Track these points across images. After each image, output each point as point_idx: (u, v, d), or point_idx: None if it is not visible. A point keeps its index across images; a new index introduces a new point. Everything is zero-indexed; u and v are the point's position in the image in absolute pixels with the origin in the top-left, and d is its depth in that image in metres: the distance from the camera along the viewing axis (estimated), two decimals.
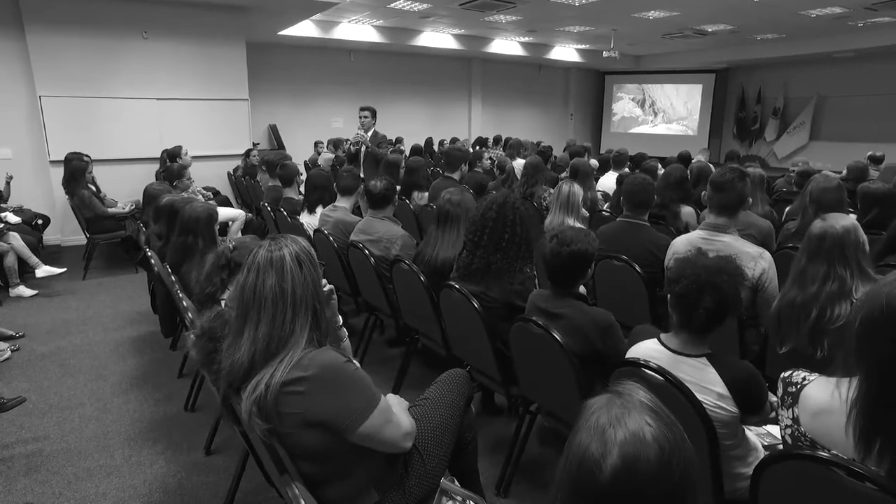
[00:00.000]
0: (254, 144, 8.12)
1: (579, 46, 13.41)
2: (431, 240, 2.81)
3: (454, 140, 10.67)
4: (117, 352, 3.80)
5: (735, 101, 14.95)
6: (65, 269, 5.19)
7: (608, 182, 5.66)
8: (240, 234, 6.18)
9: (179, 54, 7.25)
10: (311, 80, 11.48)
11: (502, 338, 2.32)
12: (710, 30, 10.74)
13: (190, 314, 2.15)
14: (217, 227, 2.68)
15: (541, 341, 1.96)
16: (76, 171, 5.38)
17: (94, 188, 5.92)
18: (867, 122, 12.34)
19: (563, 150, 9.69)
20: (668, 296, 1.59)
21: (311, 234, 3.72)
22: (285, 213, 4.06)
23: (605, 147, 15.25)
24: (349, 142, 5.65)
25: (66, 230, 6.88)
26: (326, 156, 9.03)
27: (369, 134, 5.63)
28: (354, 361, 1.48)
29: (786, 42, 11.79)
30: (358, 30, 10.46)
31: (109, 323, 4.34)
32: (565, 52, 13.58)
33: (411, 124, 12.32)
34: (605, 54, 11.24)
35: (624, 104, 15.98)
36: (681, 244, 2.66)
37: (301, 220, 3.77)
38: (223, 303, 2.02)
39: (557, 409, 2.11)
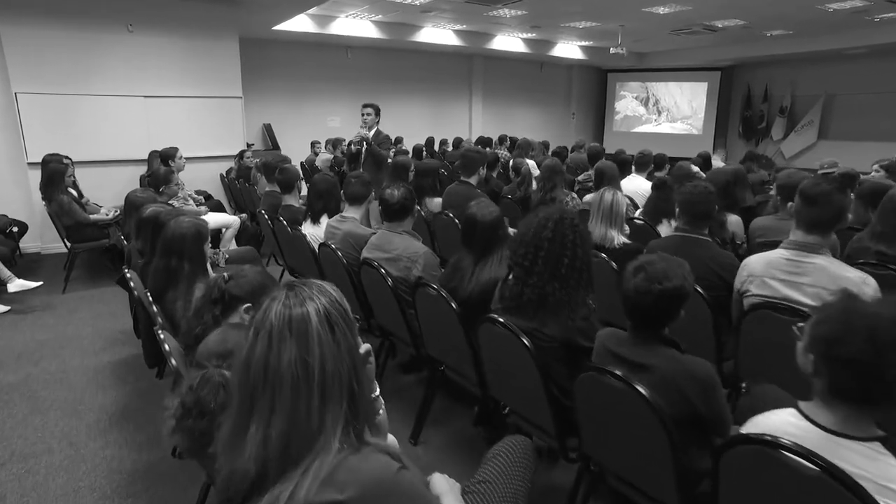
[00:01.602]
0: (248, 145, 7.67)
1: (583, 43, 13.05)
2: (465, 266, 2.39)
3: (458, 140, 10.25)
4: (96, 380, 3.36)
5: (741, 100, 14.63)
6: (40, 283, 4.74)
7: (632, 186, 5.26)
8: (234, 244, 5.75)
9: (168, 49, 6.79)
10: (306, 77, 11.05)
11: (558, 383, 1.91)
12: (720, 25, 10.39)
13: (174, 360, 1.72)
14: (208, 246, 2.25)
15: (620, 397, 1.55)
16: (54, 174, 4.92)
17: (74, 193, 5.46)
18: (877, 120, 12.06)
19: (571, 151, 9.32)
20: (813, 355, 1.19)
21: (316, 247, 3.30)
22: (285, 223, 3.63)
23: (608, 147, 14.89)
24: (350, 141, 5.21)
25: (46, 237, 6.40)
26: (324, 156, 8.62)
27: (372, 133, 5.21)
28: (404, 460, 1.05)
29: (796, 38, 11.48)
30: (356, 25, 10.03)
31: (89, 345, 3.89)
32: (568, 50, 13.21)
33: (410, 123, 11.89)
34: (612, 51, 10.88)
35: (627, 103, 15.64)
36: (758, 266, 2.26)
37: (304, 232, 3.33)
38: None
39: (637, 479, 1.70)
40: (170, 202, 4.23)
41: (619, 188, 4.37)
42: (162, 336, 1.81)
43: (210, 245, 5.11)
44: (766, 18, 9.76)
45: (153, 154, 6.31)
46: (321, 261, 3.16)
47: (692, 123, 14.99)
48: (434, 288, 2.28)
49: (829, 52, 11.88)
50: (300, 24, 9.22)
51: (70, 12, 6.16)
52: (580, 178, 5.59)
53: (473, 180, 3.99)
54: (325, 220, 3.37)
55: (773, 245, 2.34)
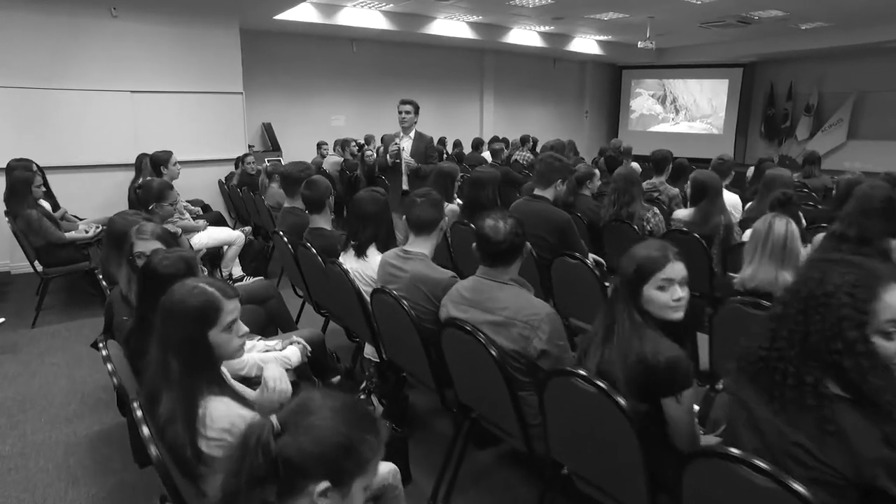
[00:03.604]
0: (249, 147, 6.82)
1: (601, 37, 12.32)
2: (625, 332, 1.56)
3: (478, 141, 9.42)
4: (66, 468, 2.50)
5: (763, 98, 13.96)
6: (2, 321, 3.86)
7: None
8: (237, 264, 4.92)
9: (158, 37, 6.01)
10: (309, 73, 10.22)
11: None
12: (756, 17, 9.67)
13: None
14: (222, 324, 1.39)
15: None
16: (20, 183, 4.05)
17: (47, 205, 4.59)
18: None
19: (599, 156, 8.56)
20: None
21: (364, 289, 2.46)
22: (315, 252, 2.78)
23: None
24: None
25: (17, 255, 5.49)
26: (333, 159, 7.80)
27: (411, 135, 4.38)
28: None
29: (827, 32, 10.81)
30: (364, 15, 9.20)
31: (61, 408, 3.03)
32: (585, 44, 12.47)
33: (419, 122, 11.04)
34: (640, 44, 10.18)
35: (643, 101, 14.94)
36: None
37: (346, 267, 2.49)
38: None
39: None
40: (166, 226, 3.38)
41: (725, 206, 3.57)
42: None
43: (210, 267, 4.23)
44: (808, 9, 9.06)
45: (142, 158, 5.44)
46: (375, 314, 2.33)
47: (712, 123, 14.31)
48: (591, 382, 1.47)
49: (861, 47, 11.22)
50: (304, 13, 8.39)
51: None
52: (654, 183, 4.79)
53: (549, 194, 3.17)
54: (373, 252, 2.53)
55: None
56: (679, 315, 1.59)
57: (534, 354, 1.76)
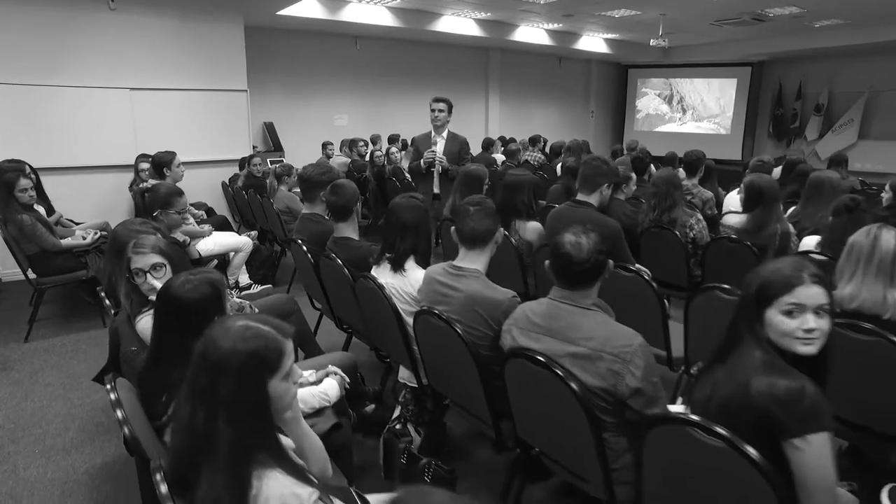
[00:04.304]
0: (253, 148, 6.53)
1: (609, 36, 12.08)
2: (741, 361, 1.29)
3: (489, 141, 9.13)
4: None
5: (771, 97, 13.75)
6: None
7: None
8: (244, 272, 4.64)
9: (158, 31, 5.72)
10: (310, 70, 9.94)
11: None
12: (771, 14, 9.44)
13: None
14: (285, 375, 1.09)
15: None
16: (6, 186, 3.73)
17: (41, 210, 4.28)
18: None
19: (612, 156, 8.30)
20: None
21: (403, 309, 2.17)
22: (340, 264, 2.49)
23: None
24: (424, 156, 4.08)
25: (8, 261, 5.17)
26: (340, 160, 7.53)
27: (444, 135, 4.09)
28: None
29: (842, 30, 10.61)
30: (369, 11, 8.93)
31: (56, 436, 2.73)
32: (591, 42, 12.24)
33: (423, 121, 10.76)
34: (651, 42, 9.95)
35: (649, 100, 14.71)
36: None
37: (381, 282, 2.20)
38: None
39: None
40: (174, 235, 3.08)
41: (781, 213, 3.30)
42: None
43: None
44: (826, 6, 8.85)
45: (141, 159, 5.14)
46: (418, 337, 2.04)
47: (720, 122, 14.08)
48: (714, 433, 1.19)
49: (874, 45, 11.01)
50: (308, 8, 8.11)
51: None
52: (688, 182, 4.53)
53: (594, 200, 2.89)
54: (412, 266, 2.24)
55: None
56: (808, 349, 1.31)
57: (625, 393, 1.49)
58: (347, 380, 1.83)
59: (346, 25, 9.09)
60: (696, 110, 14.28)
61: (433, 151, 4.06)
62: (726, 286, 2.34)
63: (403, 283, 2.24)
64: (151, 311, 1.63)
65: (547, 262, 1.64)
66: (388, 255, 2.27)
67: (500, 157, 8.30)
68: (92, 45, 5.42)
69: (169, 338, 1.42)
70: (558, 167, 6.99)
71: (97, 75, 5.47)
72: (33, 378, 3.33)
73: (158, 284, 1.63)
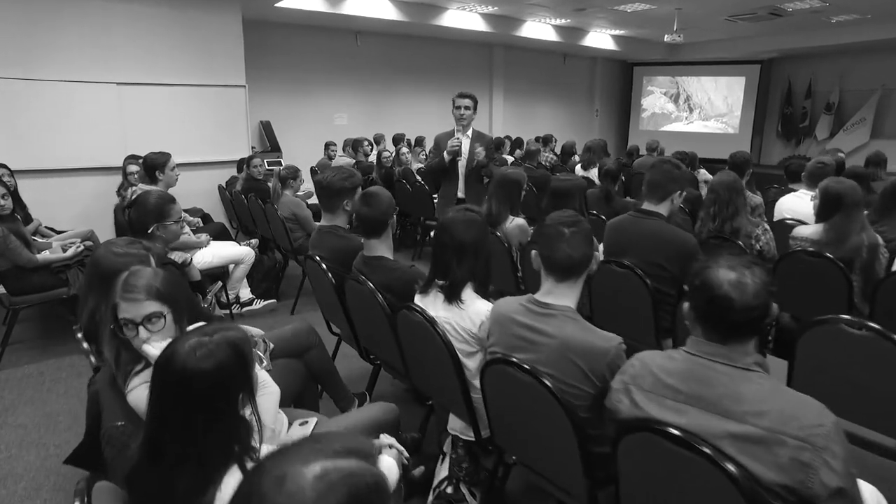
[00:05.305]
0: (252, 149, 6.08)
1: (617, 32, 11.70)
2: None
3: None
4: None
5: (779, 96, 13.46)
6: None
7: (804, 208, 3.80)
8: (245, 285, 4.20)
9: (149, 22, 5.39)
10: (309, 67, 9.56)
11: None
12: (789, 9, 9.10)
13: None
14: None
15: None
16: None
17: (17, 218, 3.80)
18: None
19: (628, 156, 7.90)
20: None
21: (467, 358, 1.73)
22: (372, 287, 2.04)
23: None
24: (448, 149, 3.64)
25: None
26: (343, 160, 7.08)
27: (469, 134, 3.67)
28: None
29: (858, 25, 10.32)
30: (371, 4, 8.50)
31: (26, 491, 2.27)
32: (599, 39, 11.88)
33: (425, 120, 10.43)
34: (666, 38, 9.71)
35: (655, 99, 14.40)
36: None
37: (431, 314, 1.75)
38: None
39: None
40: (172, 255, 2.62)
41: (866, 222, 2.88)
42: None
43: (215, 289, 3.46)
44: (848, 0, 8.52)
45: (129, 161, 4.68)
46: (487, 390, 1.59)
47: (727, 121, 13.78)
48: None
49: (889, 42, 10.74)
50: (309, 0, 7.66)
51: None
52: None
53: (664, 209, 2.46)
54: (470, 295, 1.79)
55: None
56: None
57: (820, 494, 1.05)
58: (406, 454, 1.38)
59: (347, 19, 8.69)
60: (703, 109, 13.97)
61: (458, 140, 3.63)
62: (847, 317, 1.92)
63: (461, 316, 1.79)
64: (147, 375, 1.18)
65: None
66: (439, 281, 1.83)
67: (509, 157, 7.90)
68: (76, 35, 5.10)
69: (173, 423, 0.98)
70: (577, 168, 6.59)
71: (81, 68, 5.16)
72: (2, 417, 2.86)
73: (156, 351, 1.17)
